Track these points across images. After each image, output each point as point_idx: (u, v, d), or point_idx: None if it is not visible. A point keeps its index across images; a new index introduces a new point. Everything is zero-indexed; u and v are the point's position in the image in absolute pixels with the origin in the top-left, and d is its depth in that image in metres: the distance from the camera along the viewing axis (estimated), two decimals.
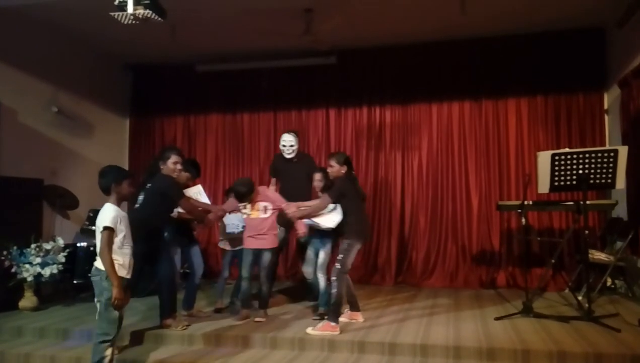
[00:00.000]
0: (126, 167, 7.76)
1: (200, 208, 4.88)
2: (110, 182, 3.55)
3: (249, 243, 4.87)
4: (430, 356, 3.98)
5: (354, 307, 4.84)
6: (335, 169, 4.64)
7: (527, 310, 4.72)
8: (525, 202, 4.91)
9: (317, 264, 4.92)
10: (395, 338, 4.20)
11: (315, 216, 4.74)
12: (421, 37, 6.75)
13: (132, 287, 4.37)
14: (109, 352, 3.44)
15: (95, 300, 3.48)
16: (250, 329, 4.53)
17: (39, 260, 5.29)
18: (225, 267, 5.36)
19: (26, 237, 5.38)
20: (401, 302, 5.61)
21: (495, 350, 3.89)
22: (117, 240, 3.48)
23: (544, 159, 4.62)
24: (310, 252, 5.00)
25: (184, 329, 4.49)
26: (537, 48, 6.63)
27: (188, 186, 5.05)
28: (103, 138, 7.40)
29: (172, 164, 4.54)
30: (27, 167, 5.91)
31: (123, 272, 3.49)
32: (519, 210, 4.88)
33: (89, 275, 3.57)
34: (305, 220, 4.89)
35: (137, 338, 4.44)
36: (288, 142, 5.52)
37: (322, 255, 4.90)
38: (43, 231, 5.94)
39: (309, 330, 4.36)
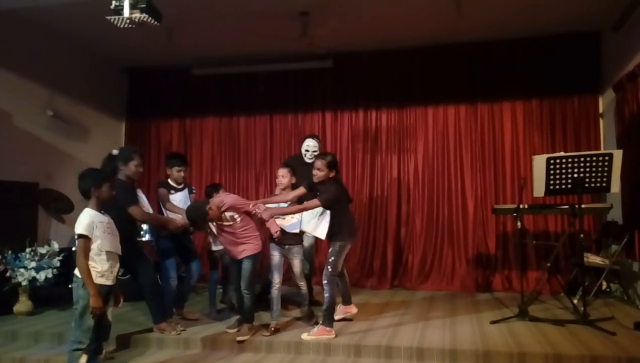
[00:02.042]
0: None
1: (155, 217, 4.72)
2: (89, 185, 3.47)
3: (230, 253, 4.55)
4: (426, 359, 3.99)
5: (346, 301, 4.82)
6: (324, 172, 4.41)
7: (522, 314, 4.73)
8: (521, 206, 4.92)
9: (294, 274, 4.76)
10: (392, 341, 4.20)
11: (287, 221, 4.62)
12: (417, 41, 6.77)
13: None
14: (83, 359, 3.38)
15: (73, 306, 3.42)
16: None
17: (33, 264, 5.25)
18: (214, 269, 5.32)
19: (21, 241, 5.35)
20: (397, 306, 5.61)
21: (492, 353, 3.90)
22: (94, 246, 3.39)
23: (539, 162, 4.63)
24: (276, 261, 4.71)
25: (179, 334, 4.47)
26: (533, 52, 6.67)
27: (180, 186, 5.05)
28: (99, 141, 7.36)
29: (134, 167, 4.36)
30: (22, 171, 5.88)
31: (101, 279, 3.40)
32: (515, 214, 4.89)
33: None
34: (289, 226, 4.65)
35: (134, 342, 4.44)
36: (312, 148, 5.37)
37: (296, 263, 4.74)
38: (38, 235, 5.91)
39: (304, 336, 4.34)
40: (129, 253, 4.07)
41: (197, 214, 4.23)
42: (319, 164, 4.44)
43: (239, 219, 4.40)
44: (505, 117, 6.78)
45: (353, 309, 4.80)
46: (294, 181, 4.81)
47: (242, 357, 4.18)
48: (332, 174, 4.44)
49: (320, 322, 4.42)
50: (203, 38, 6.55)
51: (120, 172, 4.36)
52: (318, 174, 4.43)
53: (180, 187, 5.10)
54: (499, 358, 3.87)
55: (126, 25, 4.59)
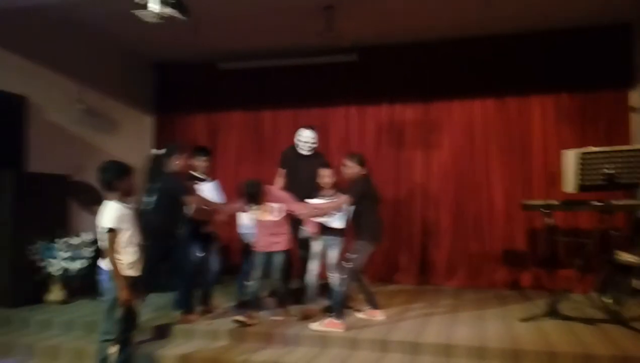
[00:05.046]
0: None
1: (208, 208, 4.80)
2: (113, 177, 3.48)
3: (261, 246, 4.76)
4: (453, 356, 3.96)
5: (373, 305, 4.84)
6: (354, 169, 4.63)
7: (552, 312, 4.66)
8: (551, 202, 4.84)
9: (327, 264, 4.90)
10: (418, 337, 4.18)
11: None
12: (444, 34, 6.66)
13: (150, 283, 4.45)
14: (113, 349, 3.45)
15: (101, 298, 3.48)
16: (272, 326, 4.55)
17: (65, 254, 5.38)
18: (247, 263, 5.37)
19: (53, 232, 5.47)
20: (424, 302, 5.58)
21: (521, 352, 3.85)
22: (123, 239, 3.43)
23: (570, 157, 4.55)
24: (317, 249, 4.95)
25: (209, 324, 4.52)
26: (562, 44, 6.50)
27: (205, 177, 5.10)
28: (128, 135, 7.50)
29: (182, 161, 4.53)
30: (53, 163, 6.00)
31: (129, 271, 3.45)
32: (545, 210, 4.81)
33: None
34: (326, 220, 4.86)
35: (162, 332, 4.51)
36: (310, 139, 5.41)
37: (333, 254, 4.89)
38: (69, 226, 6.04)
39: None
40: (174, 243, 4.49)
41: (258, 190, 4.64)
42: (347, 162, 4.66)
43: (281, 214, 4.72)
44: (534, 111, 6.65)
45: (379, 315, 4.80)
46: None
47: (268, 349, 4.21)
48: (361, 170, 4.62)
49: (331, 314, 4.48)
50: (228, 32, 6.57)
51: (167, 167, 4.50)
52: (347, 170, 4.63)
53: (205, 178, 5.15)
54: (528, 357, 3.82)
55: (154, 20, 4.64)
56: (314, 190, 5.31)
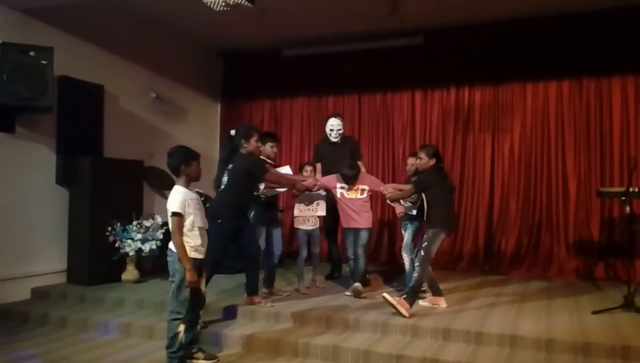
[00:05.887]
0: (217, 149, 8.10)
1: (288, 178, 5.04)
2: (179, 162, 3.57)
3: (347, 223, 5.13)
4: (519, 348, 3.82)
5: (436, 292, 4.79)
6: (424, 161, 4.69)
7: (628, 305, 4.41)
8: (631, 189, 4.56)
9: (403, 245, 5.15)
10: (482, 327, 4.07)
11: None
12: (513, 12, 6.30)
13: (219, 265, 4.58)
14: (181, 327, 3.58)
15: (170, 279, 3.63)
16: (333, 310, 4.59)
17: (139, 236, 5.64)
18: (302, 247, 5.42)
19: (128, 215, 5.75)
20: (489, 291, 5.42)
21: (592, 346, 3.66)
22: (187, 223, 3.53)
23: None
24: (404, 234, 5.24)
25: (272, 307, 4.64)
26: None
27: (275, 162, 5.22)
28: (196, 122, 7.77)
29: (254, 142, 4.57)
30: (128, 149, 6.31)
31: (195, 253, 3.56)
32: (623, 198, 4.55)
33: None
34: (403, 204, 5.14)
35: (227, 313, 4.65)
36: (336, 126, 5.65)
37: (407, 237, 5.11)
38: (143, 209, 6.33)
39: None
40: (245, 224, 4.58)
41: (355, 172, 5.04)
42: (419, 153, 4.79)
43: (366, 194, 5.11)
44: (614, 93, 6.25)
45: (442, 303, 4.74)
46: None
47: (328, 333, 4.24)
48: (431, 162, 4.66)
49: (404, 296, 4.47)
50: (292, 19, 6.59)
51: (242, 149, 4.56)
52: (419, 162, 4.75)
53: (273, 164, 5.22)
54: (599, 351, 3.63)
55: (221, 8, 4.74)
56: None
